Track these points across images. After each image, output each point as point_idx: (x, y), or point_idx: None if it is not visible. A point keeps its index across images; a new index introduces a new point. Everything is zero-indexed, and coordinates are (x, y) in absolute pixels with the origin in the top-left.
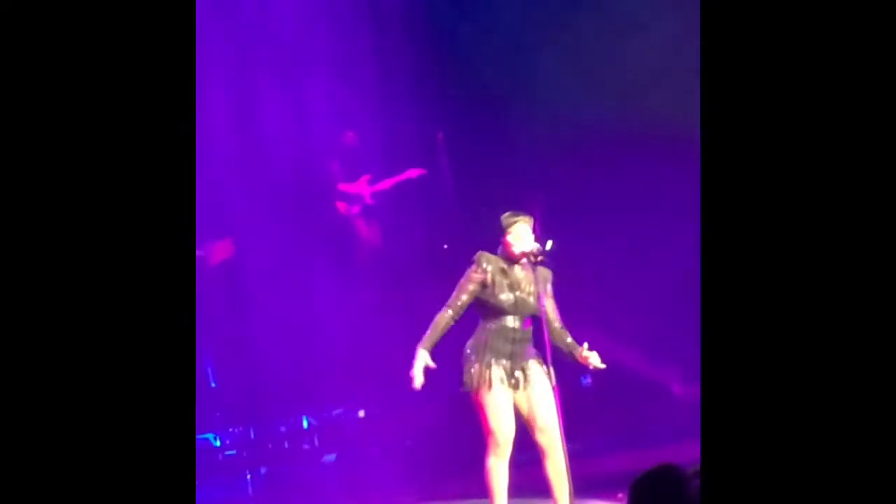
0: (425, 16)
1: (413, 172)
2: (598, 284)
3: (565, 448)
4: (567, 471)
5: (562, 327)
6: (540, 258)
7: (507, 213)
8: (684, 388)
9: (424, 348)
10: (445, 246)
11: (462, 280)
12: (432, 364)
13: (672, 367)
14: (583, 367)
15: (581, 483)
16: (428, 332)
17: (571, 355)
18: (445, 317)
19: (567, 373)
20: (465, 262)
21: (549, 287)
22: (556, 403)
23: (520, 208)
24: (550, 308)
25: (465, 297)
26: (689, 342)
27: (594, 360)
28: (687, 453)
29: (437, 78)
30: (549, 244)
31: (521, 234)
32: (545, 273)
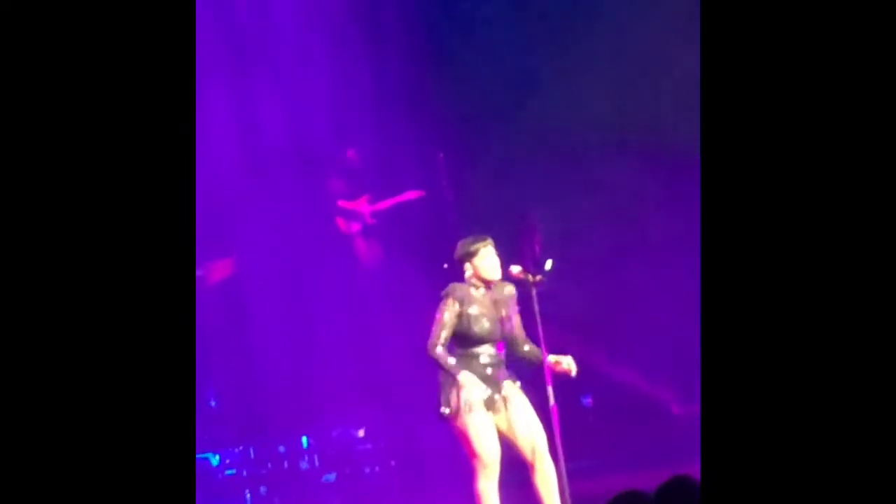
0: (424, 33)
1: (412, 194)
2: (597, 304)
3: (562, 468)
4: (566, 491)
5: (532, 345)
6: (539, 278)
7: (467, 240)
8: (684, 409)
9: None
10: (445, 265)
11: (438, 316)
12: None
13: (671, 388)
14: (583, 388)
15: (580, 503)
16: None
17: (533, 364)
18: (442, 355)
19: (567, 393)
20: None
21: (514, 305)
22: (555, 423)
23: (519, 227)
24: (519, 327)
25: (446, 333)
26: (689, 362)
27: (566, 363)
28: (686, 473)
29: (436, 95)
30: (548, 264)
31: (489, 257)
32: (511, 290)
